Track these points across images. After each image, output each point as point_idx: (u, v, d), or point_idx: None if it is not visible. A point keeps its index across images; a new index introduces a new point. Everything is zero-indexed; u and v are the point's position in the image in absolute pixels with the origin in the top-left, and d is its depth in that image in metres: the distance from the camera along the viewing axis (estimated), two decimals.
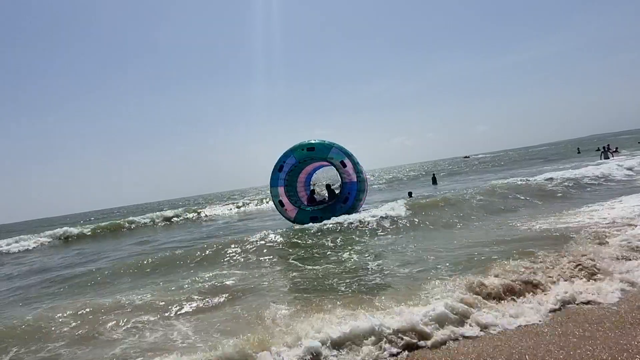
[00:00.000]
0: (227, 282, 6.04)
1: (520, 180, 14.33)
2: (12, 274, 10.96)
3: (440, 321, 3.64)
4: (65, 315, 4.92)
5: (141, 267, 7.88)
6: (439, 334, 3.51)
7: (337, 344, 3.37)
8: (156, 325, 4.46)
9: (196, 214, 25.71)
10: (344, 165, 12.09)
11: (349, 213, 11.19)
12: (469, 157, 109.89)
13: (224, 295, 5.39)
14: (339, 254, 7.47)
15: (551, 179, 14.01)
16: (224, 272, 6.79)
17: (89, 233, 20.90)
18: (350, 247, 7.95)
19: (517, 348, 3.19)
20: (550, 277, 4.53)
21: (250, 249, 8.27)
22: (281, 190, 12.45)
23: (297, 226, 11.32)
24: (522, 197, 11.86)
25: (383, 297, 4.41)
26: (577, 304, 3.94)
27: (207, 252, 8.28)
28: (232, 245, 8.43)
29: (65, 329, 4.56)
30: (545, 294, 4.18)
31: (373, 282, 5.35)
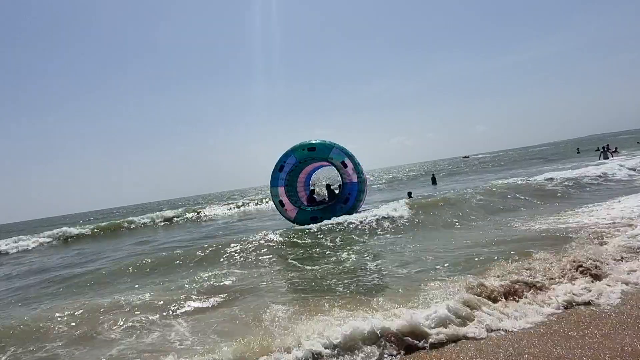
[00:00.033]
0: (226, 282, 6.03)
1: (520, 180, 14.33)
2: (11, 274, 10.95)
3: (442, 323, 3.62)
4: (63, 315, 4.90)
5: (140, 267, 7.87)
6: (440, 336, 3.49)
7: (338, 347, 3.35)
8: (154, 326, 4.45)
9: (196, 214, 25.69)
10: (345, 166, 12.08)
11: (349, 213, 11.18)
12: (468, 157, 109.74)
13: (222, 295, 5.38)
14: (339, 254, 7.46)
15: (551, 179, 14.00)
16: (223, 272, 6.77)
17: (89, 233, 20.89)
18: (349, 247, 7.94)
19: (519, 349, 3.18)
20: (550, 278, 4.52)
21: (250, 249, 8.26)
22: (281, 190, 12.43)
23: (297, 226, 11.31)
24: (521, 197, 11.85)
25: (382, 298, 4.39)
26: (578, 305, 3.92)
27: (207, 252, 8.27)
28: (232, 245, 8.42)
29: (63, 329, 4.55)
30: (545, 295, 4.16)
31: (372, 282, 5.34)
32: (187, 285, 6.02)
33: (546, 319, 3.70)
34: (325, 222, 10.29)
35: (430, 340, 3.46)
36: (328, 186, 14.13)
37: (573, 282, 4.39)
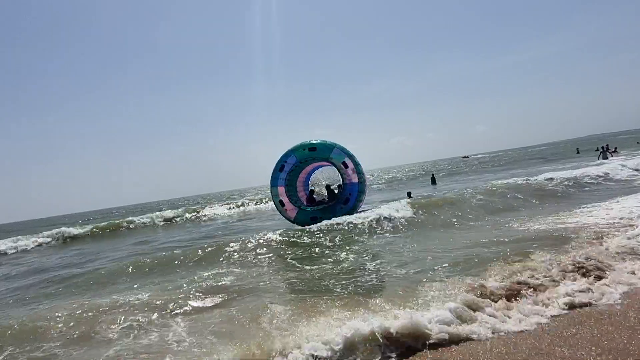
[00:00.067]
0: (225, 282, 6.01)
1: (520, 180, 14.32)
2: (9, 274, 10.93)
3: (443, 324, 3.60)
4: (61, 315, 4.88)
5: (139, 267, 7.85)
6: (442, 336, 3.47)
7: (338, 349, 3.31)
8: (152, 326, 4.43)
9: (195, 213, 25.67)
10: (346, 166, 12.06)
11: (349, 214, 11.17)
12: (468, 157, 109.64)
13: (221, 295, 5.37)
14: (338, 254, 7.44)
15: (551, 179, 13.99)
16: (222, 272, 6.76)
17: (88, 233, 20.86)
18: (348, 247, 7.93)
19: (520, 351, 3.16)
20: (550, 278, 4.50)
21: (249, 248, 8.25)
22: (282, 190, 12.41)
23: (297, 226, 11.29)
24: (521, 197, 11.84)
25: (380, 299, 4.37)
26: (578, 306, 3.90)
27: (206, 252, 8.26)
28: (231, 245, 8.40)
29: (61, 329, 4.53)
30: (546, 296, 4.14)
31: (370, 283, 5.32)
32: (185, 285, 6.00)
33: (547, 320, 3.69)
34: (325, 222, 10.28)
35: (432, 341, 3.43)
36: (328, 186, 14.11)
37: (573, 282, 4.37)
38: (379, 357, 3.29)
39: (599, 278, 4.46)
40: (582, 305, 3.91)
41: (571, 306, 3.90)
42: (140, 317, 4.64)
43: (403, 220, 9.87)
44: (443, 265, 5.61)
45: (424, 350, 3.36)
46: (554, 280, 4.46)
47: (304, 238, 8.92)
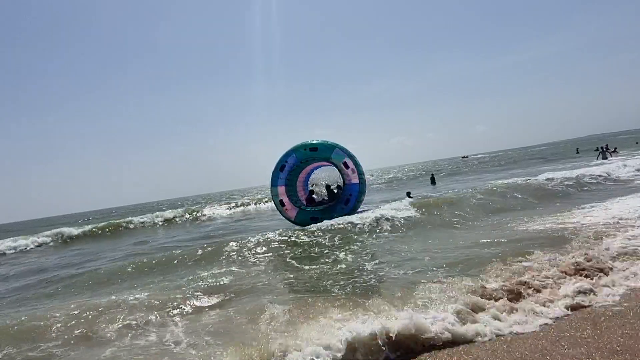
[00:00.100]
0: (224, 282, 6.00)
1: (520, 180, 14.31)
2: (8, 274, 10.91)
3: (444, 325, 3.58)
4: (60, 315, 4.86)
5: (139, 267, 7.83)
6: (443, 338, 3.45)
7: (338, 351, 3.29)
8: (149, 326, 4.42)
9: (195, 213, 25.64)
10: (346, 167, 12.05)
11: (350, 214, 11.15)
12: (467, 157, 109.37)
13: (219, 295, 5.35)
14: (337, 254, 7.42)
15: (551, 179, 13.98)
16: (221, 272, 6.74)
17: (88, 233, 20.83)
18: (348, 248, 7.91)
19: (522, 352, 3.15)
20: (550, 279, 4.49)
21: (248, 249, 8.23)
22: (282, 189, 12.38)
23: (296, 226, 11.27)
24: (521, 197, 11.83)
25: (380, 300, 4.35)
26: (579, 307, 3.89)
27: (205, 252, 8.24)
28: (230, 245, 8.38)
29: (59, 329, 4.51)
30: (547, 297, 4.13)
31: (369, 283, 5.31)
32: (184, 286, 5.99)
33: (548, 321, 3.67)
34: (325, 222, 10.26)
35: (434, 342, 3.42)
36: (328, 186, 14.09)
37: (574, 283, 4.36)
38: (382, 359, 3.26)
39: (599, 278, 4.44)
40: (583, 306, 3.90)
41: (572, 307, 3.89)
42: (138, 318, 4.62)
43: (403, 220, 9.86)
44: (443, 265, 5.59)
45: (426, 352, 3.34)
46: (554, 281, 4.44)
47: (304, 238, 8.90)
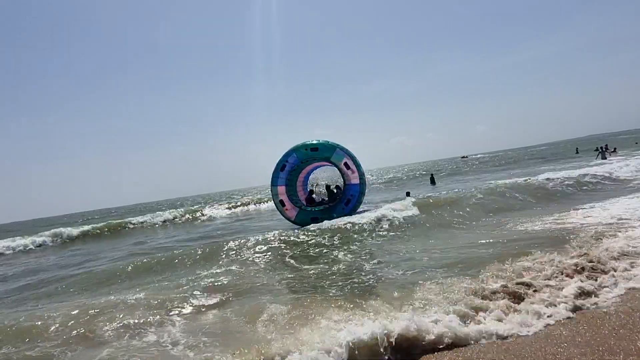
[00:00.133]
0: (223, 282, 5.98)
1: (520, 180, 14.30)
2: (6, 274, 10.89)
3: (444, 326, 3.55)
4: (58, 315, 4.85)
5: (138, 267, 7.81)
6: (444, 340, 3.42)
7: (340, 355, 3.24)
8: (148, 327, 4.40)
9: (195, 213, 25.62)
10: (347, 167, 12.03)
11: (350, 215, 11.13)
12: (467, 157, 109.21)
13: (218, 296, 5.33)
14: (336, 254, 7.41)
15: (551, 179, 13.98)
16: (220, 272, 6.73)
17: (87, 233, 20.81)
18: (347, 248, 7.90)
19: (523, 353, 3.13)
20: (550, 279, 4.47)
21: (248, 248, 8.21)
22: (282, 189, 12.36)
23: (296, 226, 11.25)
24: (521, 197, 11.82)
25: (380, 301, 4.34)
26: (579, 307, 3.87)
27: (204, 252, 8.23)
28: (230, 246, 8.37)
29: (57, 330, 4.50)
30: (547, 297, 4.11)
31: (368, 284, 5.29)
32: (183, 286, 5.97)
33: (549, 322, 3.65)
34: (324, 222, 10.25)
35: (435, 344, 3.39)
36: (328, 186, 14.08)
37: (574, 283, 4.34)
38: None
39: (600, 279, 4.43)
40: (583, 306, 3.88)
41: (572, 308, 3.87)
42: (137, 318, 4.61)
43: (402, 220, 9.84)
44: (443, 265, 5.58)
45: (427, 354, 3.32)
46: (554, 282, 4.43)
47: (303, 238, 8.89)
